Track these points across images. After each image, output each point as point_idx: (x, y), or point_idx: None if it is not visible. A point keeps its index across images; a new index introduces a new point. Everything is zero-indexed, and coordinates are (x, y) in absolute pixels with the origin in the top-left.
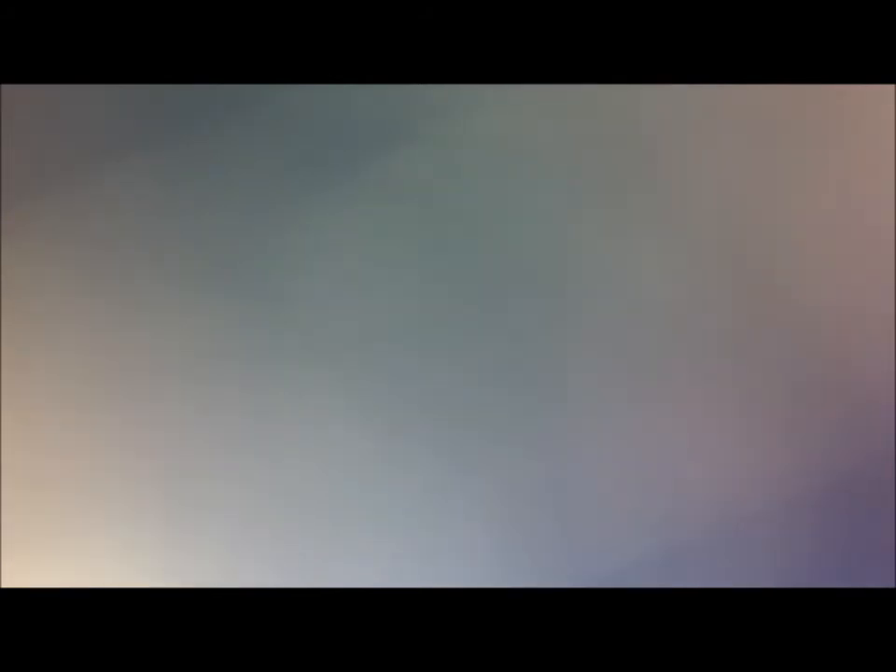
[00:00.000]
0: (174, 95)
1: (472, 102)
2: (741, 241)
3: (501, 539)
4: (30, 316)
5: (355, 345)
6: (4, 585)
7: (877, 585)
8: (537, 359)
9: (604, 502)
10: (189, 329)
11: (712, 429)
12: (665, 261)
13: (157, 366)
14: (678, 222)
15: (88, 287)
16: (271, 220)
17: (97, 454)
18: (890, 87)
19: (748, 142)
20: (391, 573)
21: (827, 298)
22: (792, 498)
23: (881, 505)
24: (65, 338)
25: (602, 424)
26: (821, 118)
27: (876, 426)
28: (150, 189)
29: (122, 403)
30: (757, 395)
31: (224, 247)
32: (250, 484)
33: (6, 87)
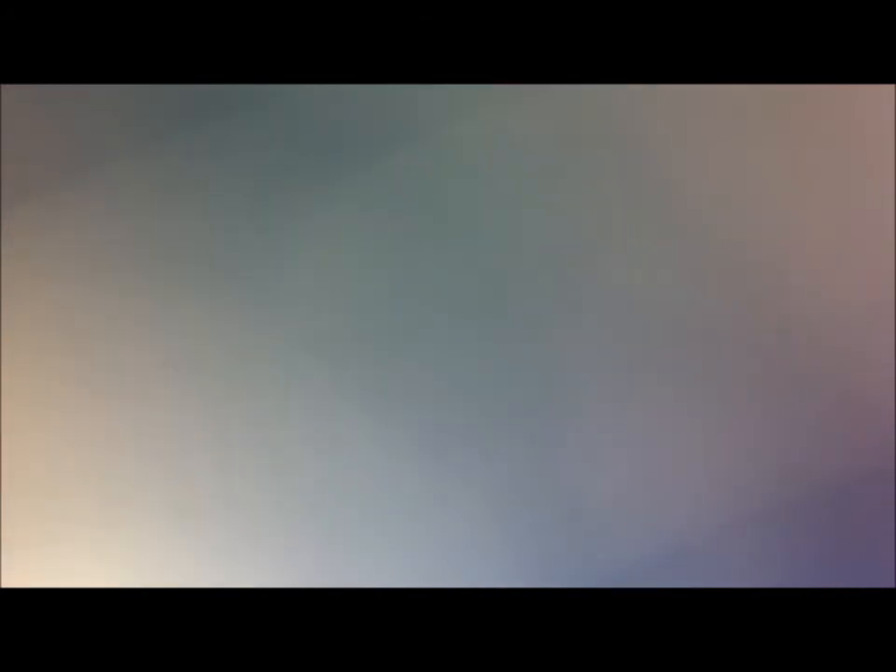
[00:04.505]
0: (174, 95)
1: (472, 102)
2: (741, 241)
3: (500, 538)
4: (30, 316)
5: (357, 347)
6: (4, 585)
7: (877, 585)
8: (537, 358)
9: (604, 502)
10: (188, 327)
11: (712, 429)
12: (666, 262)
13: (157, 365)
14: (678, 222)
15: (87, 287)
16: (270, 220)
17: (97, 453)
18: (890, 87)
19: (747, 142)
20: (390, 572)
21: (827, 298)
22: (792, 499)
23: (881, 505)
24: (65, 337)
25: (603, 423)
26: (821, 118)
27: (877, 425)
28: (150, 188)
29: (122, 402)
30: (758, 395)
31: (224, 247)
32: (251, 483)
33: (5, 87)
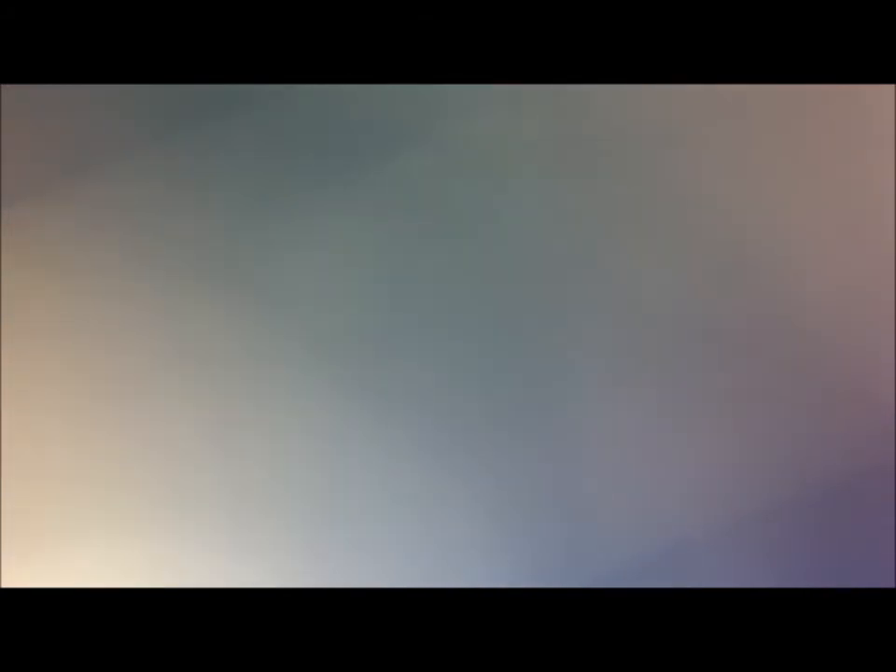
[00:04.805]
0: (174, 95)
1: (472, 102)
2: (741, 242)
3: (499, 538)
4: (29, 316)
5: (357, 346)
6: (4, 585)
7: (877, 585)
8: (536, 359)
9: (603, 501)
10: (188, 327)
11: (712, 429)
12: (665, 261)
13: (156, 365)
14: (678, 223)
15: (87, 286)
16: (270, 220)
17: (97, 454)
18: (890, 87)
19: (747, 142)
20: (389, 572)
21: (827, 298)
22: (792, 498)
23: (881, 505)
24: (65, 337)
25: (601, 422)
26: (821, 118)
27: (876, 425)
28: (150, 189)
29: (121, 402)
30: (758, 394)
31: (225, 247)
32: (250, 483)
33: (5, 87)
